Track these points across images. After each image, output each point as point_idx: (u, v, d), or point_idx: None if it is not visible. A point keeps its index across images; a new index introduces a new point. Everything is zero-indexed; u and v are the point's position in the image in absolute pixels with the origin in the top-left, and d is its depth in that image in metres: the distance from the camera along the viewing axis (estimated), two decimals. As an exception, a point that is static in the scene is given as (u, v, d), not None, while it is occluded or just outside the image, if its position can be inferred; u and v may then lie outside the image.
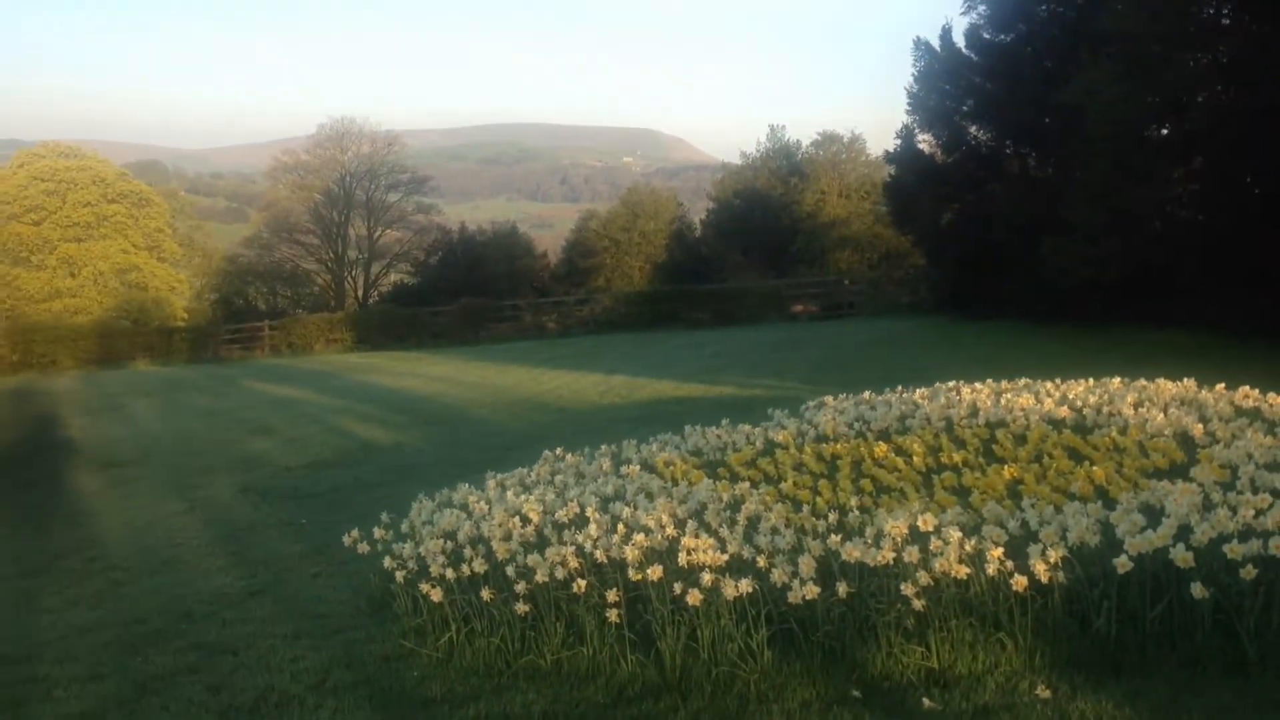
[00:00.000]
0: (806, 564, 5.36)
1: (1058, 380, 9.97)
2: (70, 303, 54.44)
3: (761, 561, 5.53)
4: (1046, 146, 24.42)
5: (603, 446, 8.86)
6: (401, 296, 56.45)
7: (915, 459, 7.73)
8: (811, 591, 5.20)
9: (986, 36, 25.69)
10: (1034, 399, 9.11)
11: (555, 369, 22.64)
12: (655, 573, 5.42)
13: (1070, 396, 9.12)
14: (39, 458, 15.24)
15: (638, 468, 7.92)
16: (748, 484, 7.08)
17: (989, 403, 9.19)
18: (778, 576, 5.37)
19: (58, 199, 56.59)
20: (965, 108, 26.01)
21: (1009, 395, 9.43)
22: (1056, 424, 8.30)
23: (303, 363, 33.46)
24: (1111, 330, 19.28)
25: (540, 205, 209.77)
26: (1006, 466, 7.05)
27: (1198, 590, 4.89)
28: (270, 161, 70.00)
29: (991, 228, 23.49)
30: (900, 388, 10.47)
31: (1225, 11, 20.53)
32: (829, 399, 10.40)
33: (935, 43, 26.43)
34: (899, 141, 27.65)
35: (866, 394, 10.34)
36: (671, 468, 8.06)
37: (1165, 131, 21.03)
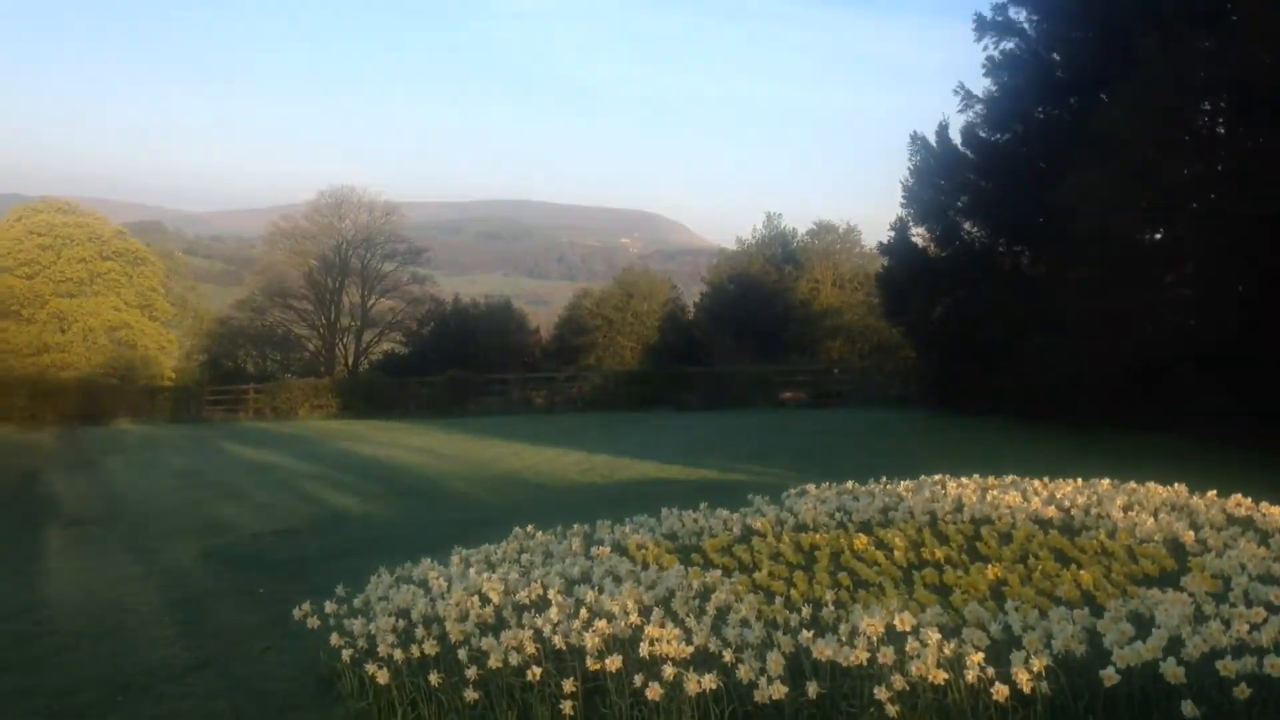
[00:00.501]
0: (775, 661, 5.07)
1: (1045, 479, 9.72)
2: (58, 357, 54.16)
3: (727, 656, 5.22)
4: (1039, 245, 24.44)
5: (575, 526, 8.58)
6: (393, 365, 56.21)
7: (896, 553, 7.48)
8: (779, 691, 4.91)
9: (982, 135, 25.84)
10: (1021, 497, 8.87)
11: (538, 445, 22.34)
12: (614, 663, 5.12)
13: (1058, 496, 8.89)
14: (1, 514, 14.85)
15: (608, 549, 7.64)
16: (719, 572, 6.79)
17: (974, 499, 8.95)
18: (744, 673, 5.07)
19: (52, 254, 56.60)
20: (960, 204, 26.06)
21: (995, 492, 9.20)
22: (1043, 524, 8.06)
23: (285, 427, 33.09)
24: (1100, 431, 19.08)
25: (537, 282, 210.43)
26: (990, 566, 6.79)
27: (1189, 709, 4.61)
28: (268, 226, 70.17)
29: (982, 323, 23.39)
30: (885, 479, 10.22)
31: (1220, 120, 20.71)
32: (811, 487, 10.13)
33: (932, 139, 26.56)
34: (893, 233, 27.66)
35: (850, 484, 10.07)
36: (643, 551, 7.79)
37: (1158, 236, 21.06)
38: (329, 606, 6.29)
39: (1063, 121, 23.53)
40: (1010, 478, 10.06)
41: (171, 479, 18.75)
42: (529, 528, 8.58)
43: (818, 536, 8.04)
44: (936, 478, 10.13)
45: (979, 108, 25.81)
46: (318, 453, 22.77)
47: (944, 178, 26.08)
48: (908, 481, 10.02)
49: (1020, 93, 24.83)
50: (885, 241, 28.62)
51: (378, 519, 13.38)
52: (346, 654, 5.74)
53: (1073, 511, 8.27)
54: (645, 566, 7.30)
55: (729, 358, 46.94)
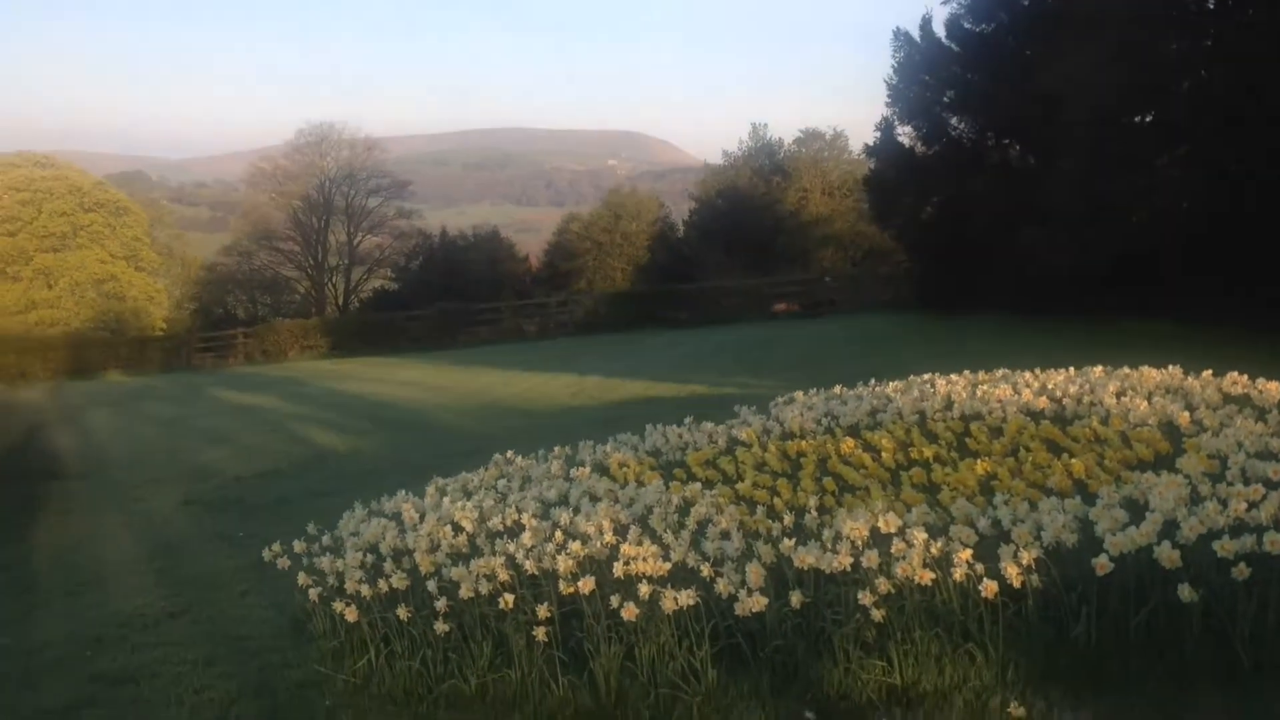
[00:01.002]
0: (754, 572, 4.85)
1: (1037, 370, 9.45)
2: (48, 314, 53.89)
3: (706, 570, 5.00)
4: (1028, 137, 24.00)
5: (555, 449, 8.34)
6: (382, 302, 55.91)
7: (884, 455, 7.25)
8: (759, 603, 4.69)
9: (967, 26, 25.24)
10: (1011, 390, 8.62)
11: (528, 371, 22.13)
12: (587, 585, 4.91)
13: (1049, 387, 8.63)
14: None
15: (588, 470, 7.41)
16: (699, 485, 6.56)
17: (964, 395, 8.70)
18: (723, 587, 4.86)
19: (33, 209, 55.97)
20: (946, 99, 25.56)
21: (986, 387, 8.96)
22: (1035, 415, 7.82)
23: (274, 370, 32.91)
24: (1094, 322, 18.81)
25: (525, 209, 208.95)
26: (979, 461, 6.56)
27: (1186, 592, 4.42)
28: (250, 169, 69.35)
29: (972, 220, 23.06)
30: (873, 382, 9.97)
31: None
32: (799, 394, 9.89)
33: (915, 33, 26.00)
34: (879, 134, 27.21)
35: (837, 388, 9.82)
36: (625, 469, 7.56)
37: (1148, 119, 20.60)
38: (298, 546, 6.07)
39: (1047, 7, 22.91)
40: (1001, 371, 9.80)
41: (157, 428, 18.54)
42: (509, 453, 8.34)
43: (804, 444, 7.80)
44: (925, 377, 9.87)
45: (962, -2, 25.18)
46: (305, 393, 22.54)
47: (929, 73, 25.57)
48: (897, 382, 9.78)
49: (1004, -22, 24.20)
50: (871, 144, 28.16)
51: (363, 455, 13.18)
52: (314, 593, 5.53)
53: (1065, 401, 8.02)
54: (625, 485, 7.08)
55: (721, 273, 46.66)
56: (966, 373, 9.78)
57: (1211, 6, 19.47)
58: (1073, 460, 6.25)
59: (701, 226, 54.96)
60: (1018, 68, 22.53)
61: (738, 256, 50.20)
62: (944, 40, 25.58)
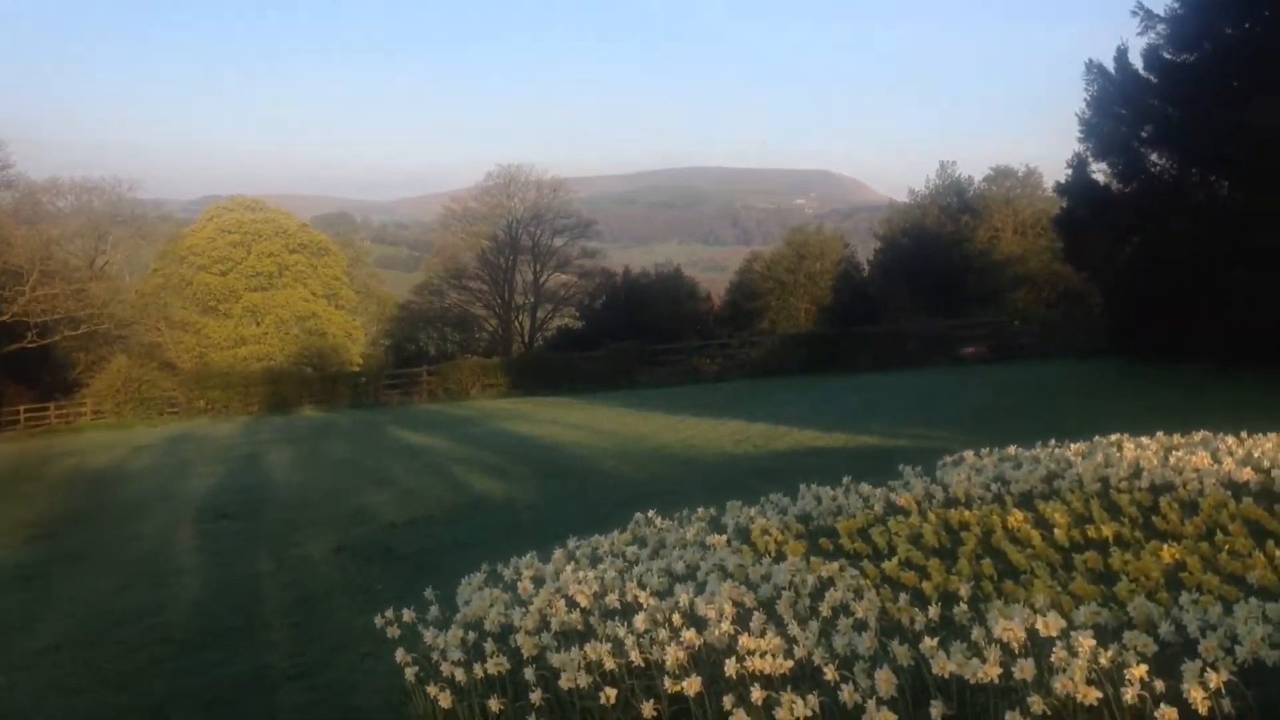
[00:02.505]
0: (884, 680, 4.20)
1: (1243, 435, 8.43)
2: (255, 349, 56.73)
3: (830, 673, 4.39)
4: (1237, 172, 22.22)
5: (699, 510, 7.85)
6: (566, 340, 56.60)
7: (1057, 531, 6.44)
8: (885, 718, 4.06)
9: (1167, 56, 23.69)
10: (1210, 458, 7.65)
11: (697, 416, 21.69)
12: (693, 685, 4.37)
13: (1256, 455, 7.63)
14: (155, 509, 15.13)
15: (723, 538, 6.88)
16: (837, 563, 5.93)
17: (1155, 461, 7.78)
18: (848, 695, 4.24)
19: (243, 250, 59.16)
20: (1143, 134, 23.98)
21: (1181, 453, 7.99)
22: (1237, 490, 6.88)
23: (452, 408, 33.48)
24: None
25: (712, 248, 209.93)
26: (1167, 545, 5.71)
27: None
28: (441, 210, 71.73)
29: (1174, 262, 21.45)
30: (1054, 442, 9.11)
31: None
32: (969, 454, 9.10)
33: (1110, 65, 24.54)
34: (1070, 171, 25.76)
35: (1011, 449, 9.00)
36: (767, 537, 6.99)
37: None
38: (406, 614, 5.73)
39: (1256, 36, 21.29)
40: (1200, 435, 8.80)
41: (327, 467, 18.92)
42: (650, 513, 7.90)
43: (968, 513, 7.07)
44: (1113, 438, 8.94)
45: (1161, 28, 23.66)
46: (474, 434, 22.70)
47: (1124, 106, 24.06)
48: (1079, 444, 8.89)
49: (1207, 8, 22.61)
50: (1062, 181, 26.70)
51: (519, 503, 12.96)
52: (410, 673, 5.17)
53: (1274, 473, 7.02)
54: (766, 556, 6.52)
55: (906, 314, 45.41)
56: (1160, 434, 8.84)
57: None
58: (1276, 550, 5.36)
59: (886, 266, 53.71)
60: (1224, 99, 20.94)
61: (923, 297, 48.77)
62: (1141, 72, 24.06)
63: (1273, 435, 8.31)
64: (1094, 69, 24.79)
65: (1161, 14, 23.62)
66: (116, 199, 64.16)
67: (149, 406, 43.31)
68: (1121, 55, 24.47)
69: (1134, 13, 23.77)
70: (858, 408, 20.81)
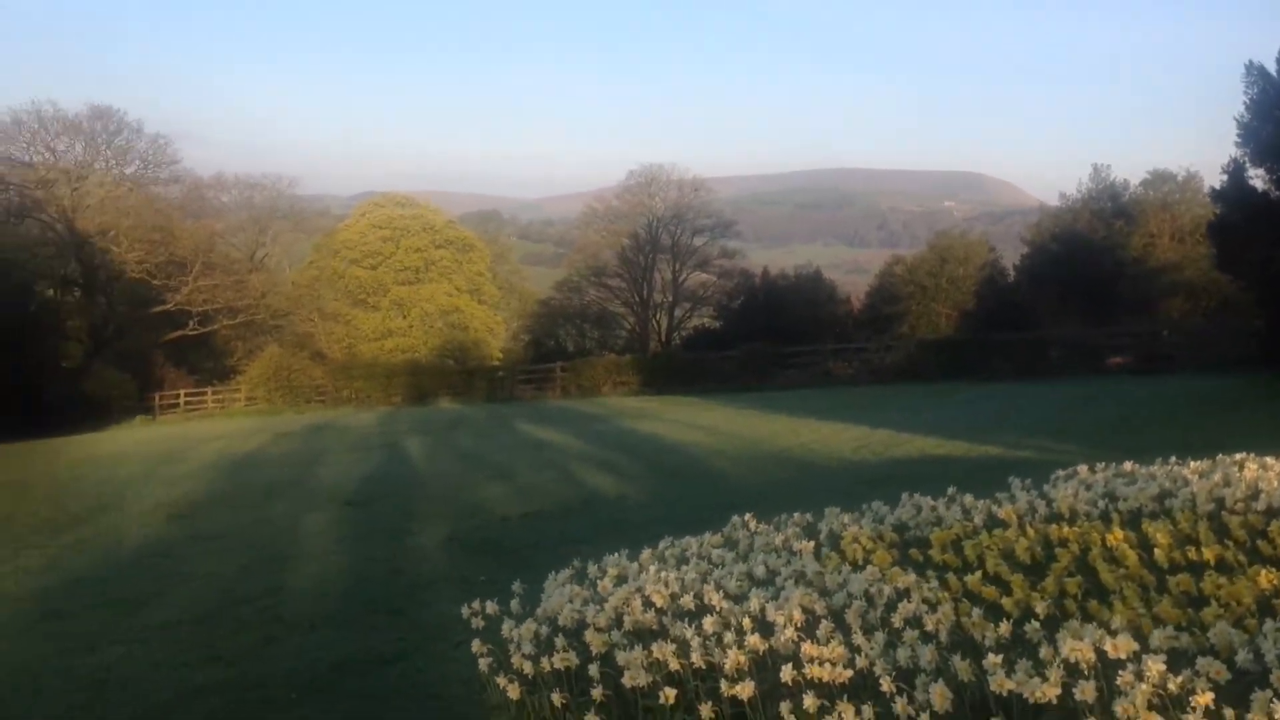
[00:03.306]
0: (939, 694, 4.17)
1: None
2: (401, 341, 58.40)
3: (886, 685, 4.36)
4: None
5: (795, 515, 7.86)
6: (703, 339, 56.67)
7: (1158, 551, 6.24)
8: (936, 733, 4.02)
9: (1333, 56, 22.55)
10: (1336, 482, 7.30)
11: (823, 419, 21.50)
12: (746, 690, 4.40)
13: (1386, 480, 7.25)
14: (287, 494, 15.76)
15: (810, 544, 6.87)
16: (914, 576, 5.87)
17: (1277, 484, 7.45)
18: (901, 707, 4.21)
19: (392, 245, 60.93)
20: (1306, 138, 22.90)
21: (1306, 475, 7.64)
22: (1360, 517, 6.55)
23: (583, 405, 33.88)
24: None
25: (856, 250, 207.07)
26: (1264, 572, 5.48)
27: None
28: (584, 208, 72.62)
29: (1333, 273, 20.40)
30: (1174, 459, 8.81)
31: None
32: (1083, 468, 8.86)
33: (1271, 67, 23.42)
34: (1226, 177, 24.69)
35: (1128, 465, 8.72)
36: (856, 545, 6.94)
37: None
38: (490, 607, 5.90)
39: None
40: (1334, 457, 8.39)
41: (454, 459, 19.38)
42: (746, 517, 7.93)
43: (1067, 530, 6.90)
44: (1238, 457, 8.59)
45: (1328, 26, 22.48)
46: (598, 431, 22.96)
47: (1285, 110, 22.97)
48: (1199, 462, 8.56)
49: (1379, 3, 21.39)
50: (1217, 187, 25.58)
51: (628, 502, 13.10)
52: (484, 663, 5.32)
53: (1403, 502, 6.67)
54: (850, 564, 6.49)
55: (1054, 321, 44.10)
56: (1290, 456, 8.45)
57: None
58: (1382, 583, 5.10)
59: (1033, 271, 52.20)
60: (1396, 102, 19.80)
61: (1072, 304, 47.24)
62: (1305, 74, 22.95)
63: None
64: (1254, 70, 23.72)
65: (1328, 11, 22.46)
66: (277, 194, 66.99)
67: (297, 394, 45.08)
68: (1284, 56, 23.36)
69: (1299, 11, 22.65)
70: (987, 417, 20.34)
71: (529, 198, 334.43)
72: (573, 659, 5.05)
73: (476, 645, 5.46)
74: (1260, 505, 6.98)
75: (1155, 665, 4.10)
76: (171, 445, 27.05)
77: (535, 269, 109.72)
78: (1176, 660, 4.27)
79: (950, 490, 8.18)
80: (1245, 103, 24.05)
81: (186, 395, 48.74)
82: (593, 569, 6.69)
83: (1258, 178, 24.33)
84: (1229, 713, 3.85)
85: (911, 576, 5.84)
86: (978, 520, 7.53)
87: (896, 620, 5.18)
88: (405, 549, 10.95)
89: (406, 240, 61.29)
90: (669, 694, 4.63)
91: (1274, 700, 3.79)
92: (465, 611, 6.03)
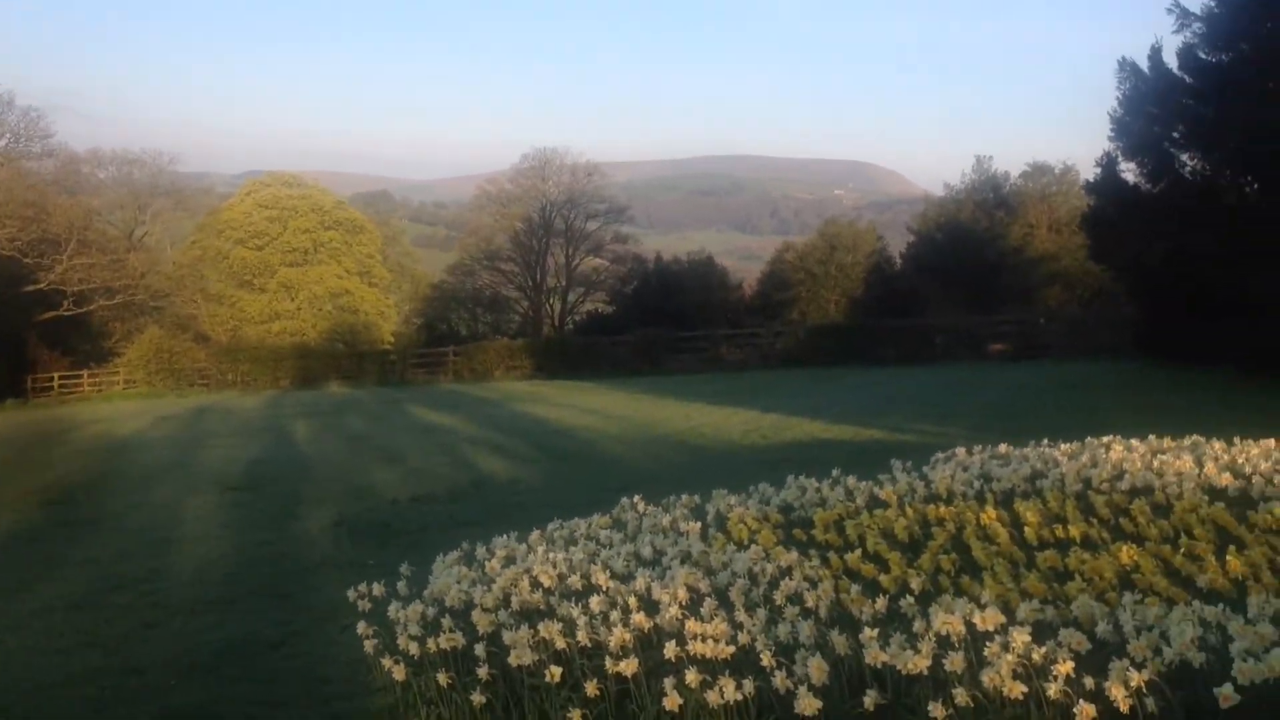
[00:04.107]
0: (816, 667, 4.30)
1: (1237, 439, 8.41)
2: (288, 324, 57.22)
3: (767, 659, 4.48)
4: (1270, 175, 21.97)
5: (684, 496, 7.97)
6: (596, 324, 56.71)
7: (1027, 530, 6.51)
8: (811, 705, 4.15)
9: (1202, 56, 23.41)
10: (1194, 462, 7.66)
11: (713, 404, 21.77)
12: (629, 666, 4.48)
13: (1239, 461, 7.64)
14: (168, 479, 15.42)
15: (698, 525, 6.99)
16: (796, 554, 6.02)
17: (1139, 464, 7.81)
18: (781, 681, 4.33)
19: (279, 225, 59.61)
20: (1175, 134, 23.76)
21: (1167, 456, 8.01)
22: (1215, 494, 6.91)
23: (475, 389, 33.72)
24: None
25: (750, 237, 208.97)
26: (1126, 547, 5.75)
27: (1330, 744, 3.62)
28: (475, 191, 72.00)
29: (1201, 265, 21.24)
30: (1046, 441, 9.16)
31: None
32: (961, 451, 9.15)
33: (1143, 64, 24.29)
34: (1099, 170, 25.57)
35: (1003, 447, 9.04)
36: (742, 526, 7.08)
37: None
38: (376, 589, 5.88)
39: (1294, 35, 21.01)
40: (1190, 439, 8.80)
41: (343, 443, 19.19)
42: (635, 499, 8.01)
43: (944, 509, 7.14)
44: (1105, 439, 8.96)
45: (1197, 26, 23.37)
46: (490, 415, 22.91)
47: (1157, 106, 23.83)
48: (1069, 444, 8.92)
49: (1244, 7, 22.31)
50: (1092, 180, 26.50)
51: (520, 485, 13.14)
52: (369, 645, 5.32)
53: (1254, 480, 7.03)
54: (737, 544, 6.62)
55: (938, 309, 45.20)
56: (1152, 437, 8.84)
57: None
58: (1230, 555, 5.39)
59: (919, 260, 53.42)
60: (1258, 101, 20.69)
61: (955, 292, 48.49)
62: (1175, 71, 23.79)
63: (1263, 442, 8.30)
64: (1127, 67, 24.55)
65: (1198, 13, 23.36)
66: (157, 171, 64.86)
67: (179, 378, 43.93)
68: (1155, 54, 24.22)
69: (1169, 11, 23.52)
70: (873, 402, 20.82)
71: (420, 179, 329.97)
72: (459, 639, 5.07)
73: (362, 627, 5.45)
74: (1124, 485, 7.32)
75: (1021, 637, 4.29)
76: (45, 429, 26.20)
77: (427, 252, 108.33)
78: (1041, 632, 4.47)
79: (835, 472, 8.37)
80: (1118, 98, 24.88)
81: (61, 378, 47.07)
82: (481, 550, 6.70)
83: (1129, 171, 25.24)
84: (1088, 681, 4.05)
85: (794, 555, 5.99)
86: (860, 501, 7.74)
87: (779, 598, 5.31)
88: (292, 533, 10.82)
89: (294, 221, 60.01)
90: (554, 672, 4.69)
91: (1130, 668, 4.00)
92: (352, 594, 6.00)
